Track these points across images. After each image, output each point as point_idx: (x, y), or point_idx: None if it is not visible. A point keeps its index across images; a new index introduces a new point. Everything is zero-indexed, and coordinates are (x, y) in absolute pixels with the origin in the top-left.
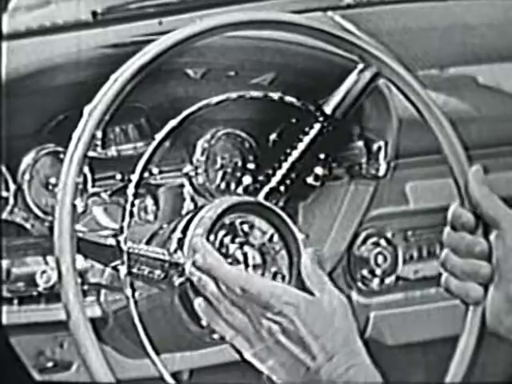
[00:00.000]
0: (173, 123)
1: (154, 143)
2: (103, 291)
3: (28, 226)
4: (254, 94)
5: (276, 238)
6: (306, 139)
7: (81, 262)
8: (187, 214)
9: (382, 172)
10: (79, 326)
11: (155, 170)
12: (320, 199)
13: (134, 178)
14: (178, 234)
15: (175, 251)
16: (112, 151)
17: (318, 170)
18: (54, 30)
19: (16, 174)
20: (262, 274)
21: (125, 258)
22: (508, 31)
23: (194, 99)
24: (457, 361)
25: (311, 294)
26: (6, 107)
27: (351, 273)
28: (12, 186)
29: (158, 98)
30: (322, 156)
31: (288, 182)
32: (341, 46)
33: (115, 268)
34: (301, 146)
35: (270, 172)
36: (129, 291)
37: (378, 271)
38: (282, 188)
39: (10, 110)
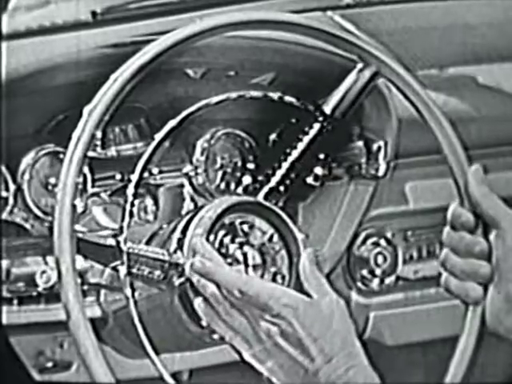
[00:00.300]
0: (172, 123)
1: (154, 143)
2: (103, 291)
3: (28, 226)
4: (254, 93)
5: (276, 238)
6: (306, 139)
7: (80, 262)
8: (187, 214)
9: (381, 172)
10: (79, 326)
11: (155, 170)
12: (320, 199)
13: (134, 178)
14: (177, 234)
15: (175, 251)
16: (112, 151)
17: (318, 170)
18: (54, 30)
19: (16, 174)
20: (262, 274)
21: (124, 258)
22: (508, 31)
23: (193, 99)
24: (456, 361)
25: (309, 295)
26: (6, 107)
27: (351, 273)
28: (12, 186)
29: (157, 97)
30: (321, 156)
31: (288, 181)
32: (340, 45)
33: (115, 268)
34: (300, 146)
35: (270, 172)
36: (128, 291)
37: (378, 271)
38: (281, 188)
39: (9, 110)
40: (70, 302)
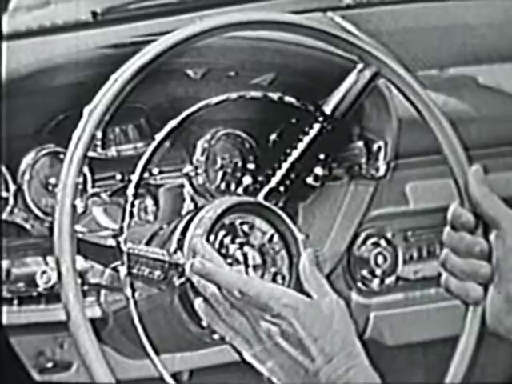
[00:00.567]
0: (173, 123)
1: (154, 143)
2: (103, 292)
3: (28, 226)
4: (254, 94)
5: (276, 238)
6: (306, 139)
7: (81, 263)
8: (187, 214)
9: (381, 172)
10: (79, 327)
11: (155, 171)
12: (320, 199)
13: (134, 178)
14: (177, 235)
15: (175, 252)
16: (112, 151)
17: (318, 171)
18: (54, 31)
19: (16, 175)
20: (262, 275)
21: (125, 258)
22: (508, 31)
23: (194, 99)
24: (457, 361)
25: (309, 296)
26: (6, 107)
27: (351, 273)
28: (12, 187)
29: (157, 98)
30: (321, 156)
31: (288, 182)
32: (341, 46)
33: (115, 269)
34: (300, 146)
35: (270, 172)
36: (129, 292)
37: (378, 271)
38: (281, 188)
39: (10, 110)
40: (71, 302)
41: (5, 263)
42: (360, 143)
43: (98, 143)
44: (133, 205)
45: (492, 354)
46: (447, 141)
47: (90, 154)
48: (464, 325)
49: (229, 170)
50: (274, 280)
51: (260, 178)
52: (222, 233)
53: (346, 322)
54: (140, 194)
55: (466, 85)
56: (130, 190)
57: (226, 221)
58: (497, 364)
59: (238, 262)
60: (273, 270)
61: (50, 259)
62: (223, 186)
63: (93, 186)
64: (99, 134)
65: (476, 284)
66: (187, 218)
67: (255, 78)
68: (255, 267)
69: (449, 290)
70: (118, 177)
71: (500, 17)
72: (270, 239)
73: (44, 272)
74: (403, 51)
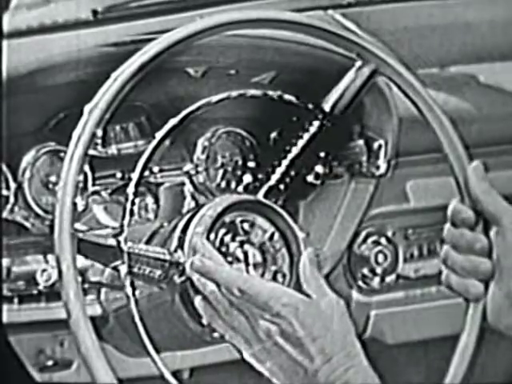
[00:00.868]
0: (173, 122)
1: (155, 142)
2: (104, 290)
3: (28, 224)
4: (255, 92)
5: (276, 236)
6: (306, 136)
7: (81, 261)
8: (188, 212)
9: (382, 170)
10: (80, 325)
11: (156, 169)
12: (320, 198)
13: (135, 176)
14: (178, 233)
15: (175, 250)
16: (112, 150)
17: (319, 169)
18: (55, 29)
19: (16, 173)
20: (263, 273)
21: (125, 258)
22: (509, 30)
23: (194, 98)
24: (457, 359)
25: (309, 296)
26: (7, 105)
27: (352, 271)
28: (12, 185)
29: (158, 96)
30: (322, 154)
31: (288, 180)
32: (341, 44)
33: (116, 268)
34: (300, 144)
35: (270, 170)
36: (129, 290)
37: (379, 270)
38: (281, 186)
39: (10, 108)
40: (71, 300)
41: (5, 261)
42: (361, 141)
43: (99, 141)
44: (133, 203)
45: (492, 353)
46: (448, 139)
47: (91, 152)
48: (464, 323)
49: (229, 168)
50: (274, 278)
51: (260, 176)
52: (222, 231)
53: (345, 322)
54: (140, 192)
55: (466, 83)
56: (131, 189)
57: (227, 219)
58: (497, 363)
59: (238, 260)
60: (273, 268)
61: (50, 257)
62: (223, 184)
63: (93, 184)
64: (100, 132)
65: (476, 281)
66: (188, 216)
67: (256, 77)
68: (256, 265)
69: (450, 287)
70: (119, 175)
71: (501, 15)
72: (271, 237)
73: (44, 270)
74: (404, 49)
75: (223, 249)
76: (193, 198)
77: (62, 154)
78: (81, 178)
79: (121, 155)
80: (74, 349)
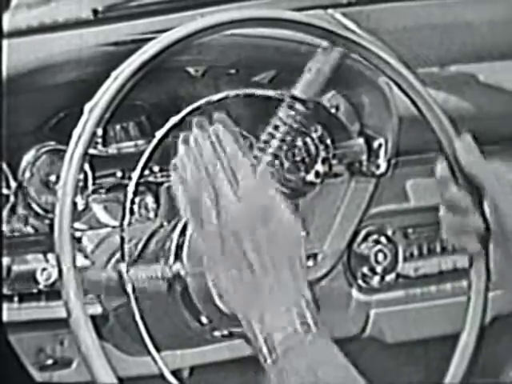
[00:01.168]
0: (173, 121)
1: (155, 141)
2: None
3: (28, 223)
4: (255, 91)
5: None
6: (282, 126)
7: (81, 260)
8: None
9: (382, 169)
10: (80, 324)
11: (156, 168)
12: (320, 196)
13: (135, 175)
14: (175, 241)
15: (174, 262)
16: (113, 149)
17: (319, 167)
18: (55, 28)
19: (17, 172)
20: None
21: (128, 289)
22: (509, 29)
23: (194, 97)
24: (457, 358)
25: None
26: (7, 105)
27: (351, 270)
28: (13, 184)
29: (158, 95)
30: (322, 153)
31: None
32: (341, 44)
33: (121, 306)
34: (278, 135)
35: None
36: (130, 288)
37: (379, 269)
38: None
39: (10, 107)
40: (71, 299)
41: (5, 260)
42: (360, 140)
43: (99, 140)
44: (133, 202)
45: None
46: (448, 138)
47: (91, 151)
48: (465, 322)
49: None
50: None
51: None
52: None
53: None
54: (141, 192)
55: (466, 82)
56: (131, 188)
57: None
58: (497, 361)
59: None
60: None
61: (50, 256)
62: None
63: (93, 184)
64: (100, 132)
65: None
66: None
67: (256, 76)
68: None
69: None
70: (119, 174)
71: (500, 14)
72: None
73: (44, 269)
74: (404, 49)
75: None
76: None
77: (62, 154)
78: (81, 177)
79: (121, 154)
80: (74, 348)
